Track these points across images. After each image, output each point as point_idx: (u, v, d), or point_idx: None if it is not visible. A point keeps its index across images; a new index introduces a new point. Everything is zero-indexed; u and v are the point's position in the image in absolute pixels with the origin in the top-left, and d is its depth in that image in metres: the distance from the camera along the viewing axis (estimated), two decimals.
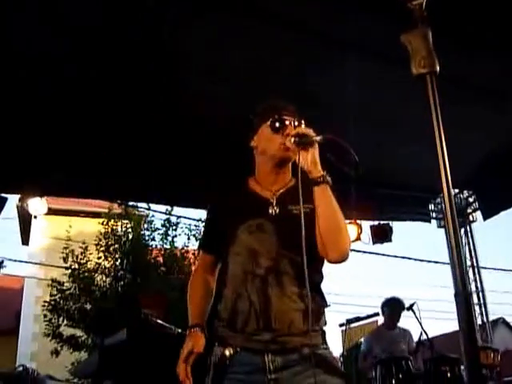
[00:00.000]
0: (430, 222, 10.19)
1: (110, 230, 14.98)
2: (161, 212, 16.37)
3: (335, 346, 7.60)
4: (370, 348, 7.36)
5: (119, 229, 15.02)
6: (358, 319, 7.40)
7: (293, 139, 2.46)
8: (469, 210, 10.11)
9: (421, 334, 6.97)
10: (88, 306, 14.19)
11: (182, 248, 15.35)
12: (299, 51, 5.57)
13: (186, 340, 2.63)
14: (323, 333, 2.61)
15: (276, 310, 2.46)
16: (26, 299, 19.25)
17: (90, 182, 7.56)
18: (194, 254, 14.16)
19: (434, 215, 10.14)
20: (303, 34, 5.33)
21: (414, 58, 1.88)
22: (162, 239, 15.41)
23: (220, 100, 6.14)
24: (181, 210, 19.61)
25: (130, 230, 15.03)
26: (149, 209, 14.24)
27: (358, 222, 8.88)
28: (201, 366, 2.58)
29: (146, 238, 15.47)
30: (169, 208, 14.14)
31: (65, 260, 14.74)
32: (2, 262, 17.40)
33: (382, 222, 9.42)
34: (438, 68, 1.86)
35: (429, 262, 13.30)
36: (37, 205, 7.75)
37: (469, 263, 10.20)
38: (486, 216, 9.49)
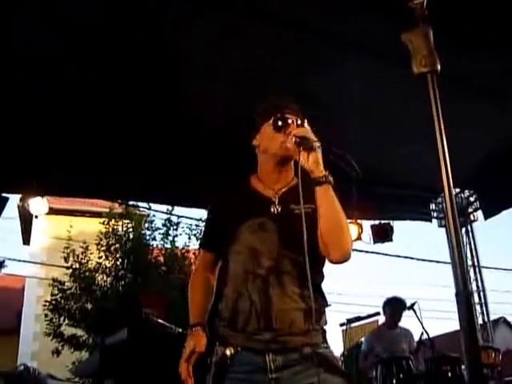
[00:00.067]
0: (430, 221, 10.19)
1: (110, 229, 14.97)
2: (162, 212, 16.34)
3: (336, 345, 7.60)
4: (370, 347, 7.36)
5: (120, 228, 15.01)
6: (358, 319, 7.39)
7: (294, 139, 2.45)
8: (470, 210, 10.11)
9: (422, 333, 6.97)
10: (89, 306, 14.18)
11: (183, 248, 15.34)
12: (299, 51, 5.57)
13: (188, 339, 2.63)
14: (324, 332, 2.61)
15: (277, 309, 2.45)
16: (27, 299, 19.23)
17: (90, 182, 7.57)
18: (194, 253, 14.13)
19: (435, 215, 10.14)
20: (303, 34, 5.33)
21: (415, 57, 1.88)
22: (162, 239, 15.40)
23: (220, 100, 6.15)
24: (182, 210, 19.62)
25: (130, 229, 15.01)
26: (149, 208, 14.23)
27: (359, 221, 8.86)
28: (201, 366, 2.58)
29: (147, 237, 15.46)
30: (169, 208, 14.14)
31: (66, 260, 14.73)
32: (4, 261, 17.42)
33: (382, 222, 9.41)
34: (438, 67, 1.85)
35: (430, 261, 13.35)
36: (38, 204, 7.74)
37: (470, 263, 10.20)
38: (487, 215, 9.48)
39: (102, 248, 14.73)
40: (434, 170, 1.78)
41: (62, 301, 14.39)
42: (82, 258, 14.67)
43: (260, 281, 2.49)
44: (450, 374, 6.33)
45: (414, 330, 7.43)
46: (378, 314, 7.54)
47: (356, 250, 9.78)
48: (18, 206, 14.73)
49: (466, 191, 9.99)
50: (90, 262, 14.68)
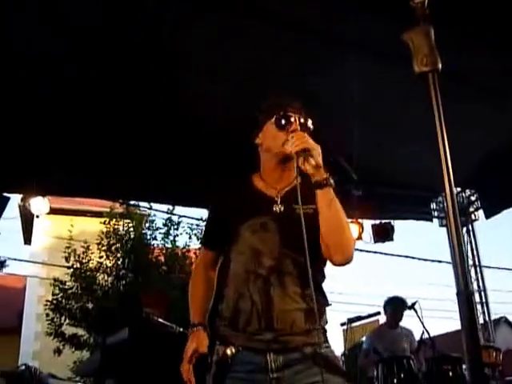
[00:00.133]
0: (431, 220, 10.18)
1: (111, 229, 14.99)
2: (162, 211, 16.34)
3: (337, 345, 7.61)
4: (371, 346, 7.35)
5: (121, 228, 15.03)
6: (359, 318, 7.40)
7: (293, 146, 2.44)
8: (471, 209, 10.10)
9: (422, 332, 6.96)
10: (90, 305, 14.21)
11: (184, 247, 15.35)
12: (299, 51, 5.57)
13: (190, 339, 2.63)
14: (325, 331, 2.61)
15: (278, 309, 2.45)
16: (29, 298, 19.27)
17: (91, 182, 7.57)
18: (195, 253, 14.11)
19: (436, 214, 10.14)
20: (303, 34, 5.32)
21: (416, 56, 1.87)
22: (163, 238, 15.41)
23: (220, 100, 6.14)
24: (182, 209, 19.61)
25: (131, 229, 15.01)
26: (150, 208, 14.21)
27: (360, 220, 8.85)
28: (201, 365, 2.59)
29: (148, 237, 15.47)
30: (170, 207, 14.16)
31: (67, 259, 14.76)
32: (5, 261, 17.51)
33: (383, 221, 9.40)
34: (440, 66, 1.85)
35: (432, 261, 13.26)
36: (39, 204, 7.75)
37: (471, 262, 10.19)
38: (488, 215, 9.48)
39: (103, 248, 14.76)
40: (435, 169, 1.77)
41: (63, 300, 14.43)
42: (82, 258, 14.71)
43: (261, 281, 2.48)
44: (451, 374, 6.32)
45: (415, 330, 7.44)
46: (378, 313, 7.54)
47: (357, 250, 9.73)
48: (19, 206, 14.68)
49: (467, 190, 9.99)
50: (90, 262, 14.72)
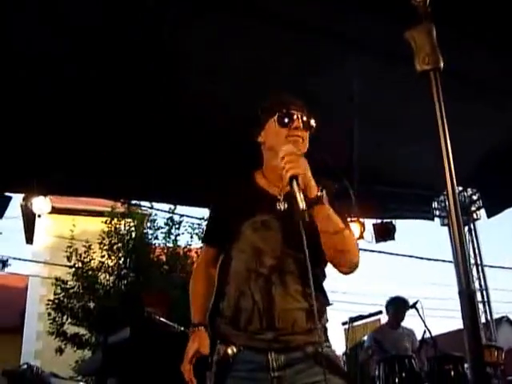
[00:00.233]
0: (433, 219, 10.18)
1: (113, 228, 15.00)
2: (164, 211, 16.35)
3: (338, 344, 7.60)
4: (372, 344, 7.36)
5: (122, 227, 15.04)
6: (360, 317, 7.40)
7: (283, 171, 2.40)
8: (473, 208, 10.12)
9: (424, 332, 6.95)
10: (91, 305, 14.22)
11: (185, 247, 15.36)
12: (299, 51, 5.57)
13: (191, 339, 2.63)
14: (325, 330, 2.60)
15: (279, 309, 2.44)
16: (31, 298, 19.29)
17: (91, 182, 7.57)
18: (196, 252, 14.11)
19: (438, 213, 10.14)
20: (303, 34, 5.32)
21: (418, 54, 1.86)
22: (164, 238, 15.43)
23: (220, 100, 6.14)
24: (184, 209, 19.62)
25: (133, 228, 15.03)
26: (152, 207, 14.19)
27: (361, 220, 8.84)
28: (201, 364, 2.59)
29: (149, 236, 15.51)
30: (172, 207, 14.16)
31: (68, 259, 14.76)
32: (7, 260, 17.48)
33: (384, 221, 9.40)
34: (442, 64, 1.84)
35: (436, 260, 13.27)
36: (40, 204, 7.75)
37: (472, 261, 10.19)
38: (490, 214, 9.48)
39: (105, 247, 14.77)
40: (436, 168, 1.77)
41: (65, 300, 14.44)
42: (84, 257, 14.71)
43: (263, 280, 2.47)
44: (452, 373, 6.32)
45: (417, 329, 7.44)
46: (380, 312, 7.54)
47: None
48: (21, 206, 14.78)
49: (469, 189, 10.00)
50: (92, 261, 14.72)
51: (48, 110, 6.29)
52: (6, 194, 7.31)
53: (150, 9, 5.12)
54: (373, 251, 10.67)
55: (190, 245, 15.29)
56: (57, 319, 14.34)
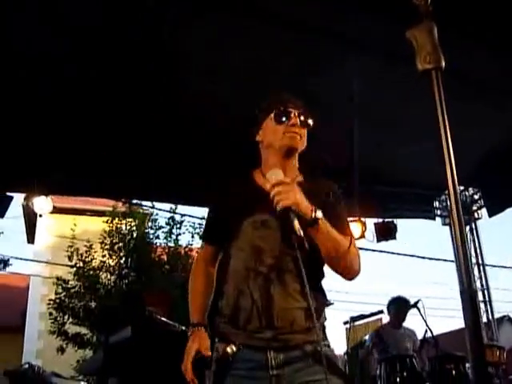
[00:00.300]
0: (434, 219, 10.17)
1: (114, 228, 15.00)
2: (165, 210, 16.37)
3: (339, 343, 7.60)
4: (373, 343, 7.36)
5: (123, 227, 15.04)
6: (362, 317, 7.39)
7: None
8: (474, 208, 10.10)
9: (426, 331, 6.94)
10: (93, 304, 14.22)
11: (186, 246, 15.36)
12: (299, 51, 5.57)
13: (191, 339, 2.63)
14: (324, 328, 2.62)
15: (278, 308, 2.44)
16: (32, 297, 19.30)
17: (92, 182, 7.58)
18: (197, 252, 14.09)
19: (439, 212, 10.13)
20: (303, 34, 5.32)
21: (420, 53, 1.86)
22: (166, 237, 15.44)
23: (220, 100, 6.14)
24: (185, 208, 19.64)
25: (134, 228, 15.03)
26: (153, 207, 14.19)
27: (362, 219, 8.84)
28: (199, 362, 2.58)
29: (151, 236, 15.50)
30: (173, 206, 14.16)
31: (70, 258, 14.75)
32: (8, 260, 17.48)
33: (386, 220, 9.39)
34: (443, 64, 1.83)
35: (437, 259, 13.26)
36: (42, 203, 7.76)
37: (474, 261, 10.18)
38: (492, 213, 9.47)
39: (106, 247, 14.77)
40: (438, 167, 1.76)
41: (66, 299, 14.44)
42: (85, 257, 14.71)
43: (261, 278, 2.47)
44: (454, 373, 6.31)
45: (418, 329, 7.43)
46: (381, 312, 7.53)
47: (360, 249, 9.74)
48: (23, 205, 14.72)
49: (471, 189, 9.98)
50: (93, 261, 14.73)
51: (48, 110, 6.30)
52: (8, 193, 7.32)
53: (149, 9, 5.12)
54: (374, 251, 10.70)
55: (192, 244, 15.30)
56: (58, 319, 14.35)
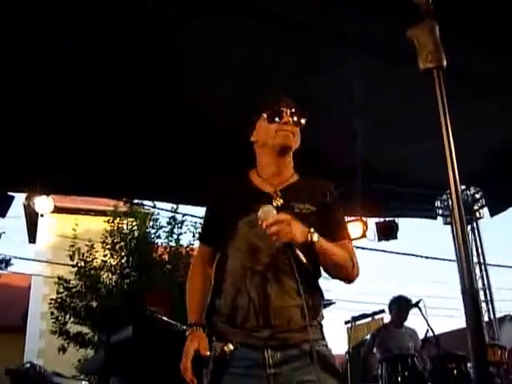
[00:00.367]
0: (435, 218, 10.16)
1: (115, 227, 14.98)
2: (166, 210, 16.35)
3: (341, 343, 7.59)
4: (375, 342, 7.35)
5: (125, 227, 15.03)
6: (363, 316, 7.38)
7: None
8: (476, 207, 10.08)
9: (427, 331, 6.93)
10: (94, 304, 14.22)
11: (188, 246, 15.33)
12: (299, 51, 5.58)
13: (189, 338, 2.63)
14: (321, 327, 2.62)
15: (275, 306, 2.45)
16: (33, 297, 19.28)
17: (93, 181, 7.59)
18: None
19: (440, 212, 10.11)
20: (303, 34, 5.33)
21: (421, 52, 1.86)
22: (167, 237, 15.44)
23: (220, 100, 6.14)
24: (186, 208, 19.64)
25: (135, 227, 15.03)
26: (154, 207, 14.18)
27: (364, 218, 8.82)
28: (197, 360, 2.58)
29: (152, 235, 15.49)
30: (174, 206, 14.14)
31: (71, 258, 14.74)
32: (9, 260, 17.48)
33: (387, 219, 9.37)
34: (445, 63, 1.83)
35: (438, 259, 13.21)
36: (43, 203, 7.77)
37: (475, 260, 10.16)
38: (493, 212, 9.46)
39: (107, 246, 14.76)
40: (439, 167, 1.77)
41: (68, 299, 14.44)
42: (87, 257, 14.71)
43: (258, 277, 2.49)
44: (455, 372, 6.30)
45: (420, 328, 7.42)
46: (383, 311, 7.52)
47: (361, 248, 9.76)
48: (24, 205, 14.70)
49: (472, 188, 9.95)
50: (95, 260, 14.72)
51: (49, 110, 6.30)
52: (9, 193, 7.33)
53: (149, 9, 5.12)
54: (375, 250, 10.68)
55: (193, 244, 15.26)
56: (59, 318, 14.35)
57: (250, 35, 5.31)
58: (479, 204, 10.02)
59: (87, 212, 18.37)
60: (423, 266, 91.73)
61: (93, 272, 14.59)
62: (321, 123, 5.30)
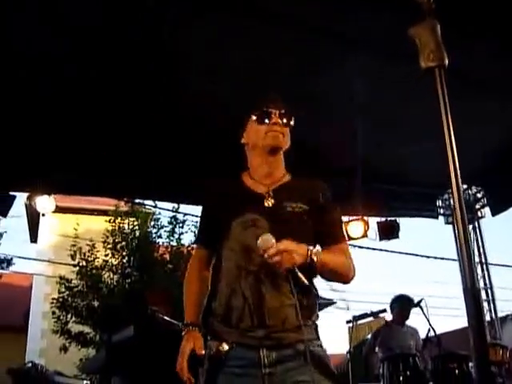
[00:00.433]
0: (437, 218, 10.14)
1: (117, 227, 15.04)
2: (167, 209, 16.37)
3: (342, 342, 7.60)
4: (376, 341, 7.35)
5: (126, 226, 15.08)
6: (365, 316, 7.38)
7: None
8: (477, 206, 10.06)
9: (428, 330, 6.93)
10: (96, 303, 14.27)
11: (189, 245, 15.35)
12: (299, 51, 5.57)
13: (185, 338, 2.65)
14: (316, 327, 2.64)
15: (269, 306, 2.47)
16: (35, 296, 19.32)
17: (94, 181, 7.59)
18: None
19: (442, 211, 10.09)
20: (303, 34, 5.32)
21: (423, 51, 1.86)
22: (168, 236, 15.48)
23: (220, 100, 6.12)
24: (188, 208, 19.64)
25: (136, 227, 15.08)
26: (155, 206, 14.19)
27: (365, 218, 8.81)
28: (192, 360, 2.59)
29: (153, 235, 15.54)
30: (175, 205, 14.15)
31: (73, 257, 14.80)
32: (11, 259, 17.55)
33: (389, 219, 9.36)
34: (446, 61, 1.83)
35: (440, 258, 13.18)
36: (45, 203, 7.79)
37: (477, 259, 10.14)
38: (495, 212, 9.44)
39: (109, 246, 14.82)
40: (441, 166, 1.76)
41: (69, 298, 14.49)
42: (88, 256, 14.75)
43: (252, 277, 2.50)
44: (457, 372, 6.30)
45: (421, 328, 7.42)
46: (384, 311, 7.53)
47: (362, 247, 9.76)
48: (25, 205, 14.75)
49: (474, 187, 9.94)
50: (96, 260, 14.76)
51: (49, 110, 6.30)
52: (10, 193, 7.34)
53: (150, 9, 5.12)
54: (376, 249, 10.67)
55: (194, 243, 15.28)
56: (61, 318, 14.40)
57: (250, 35, 5.30)
58: (481, 203, 10.00)
59: (89, 212, 18.37)
60: (425, 265, 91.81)
61: (94, 271, 14.63)
62: (321, 123, 5.31)
